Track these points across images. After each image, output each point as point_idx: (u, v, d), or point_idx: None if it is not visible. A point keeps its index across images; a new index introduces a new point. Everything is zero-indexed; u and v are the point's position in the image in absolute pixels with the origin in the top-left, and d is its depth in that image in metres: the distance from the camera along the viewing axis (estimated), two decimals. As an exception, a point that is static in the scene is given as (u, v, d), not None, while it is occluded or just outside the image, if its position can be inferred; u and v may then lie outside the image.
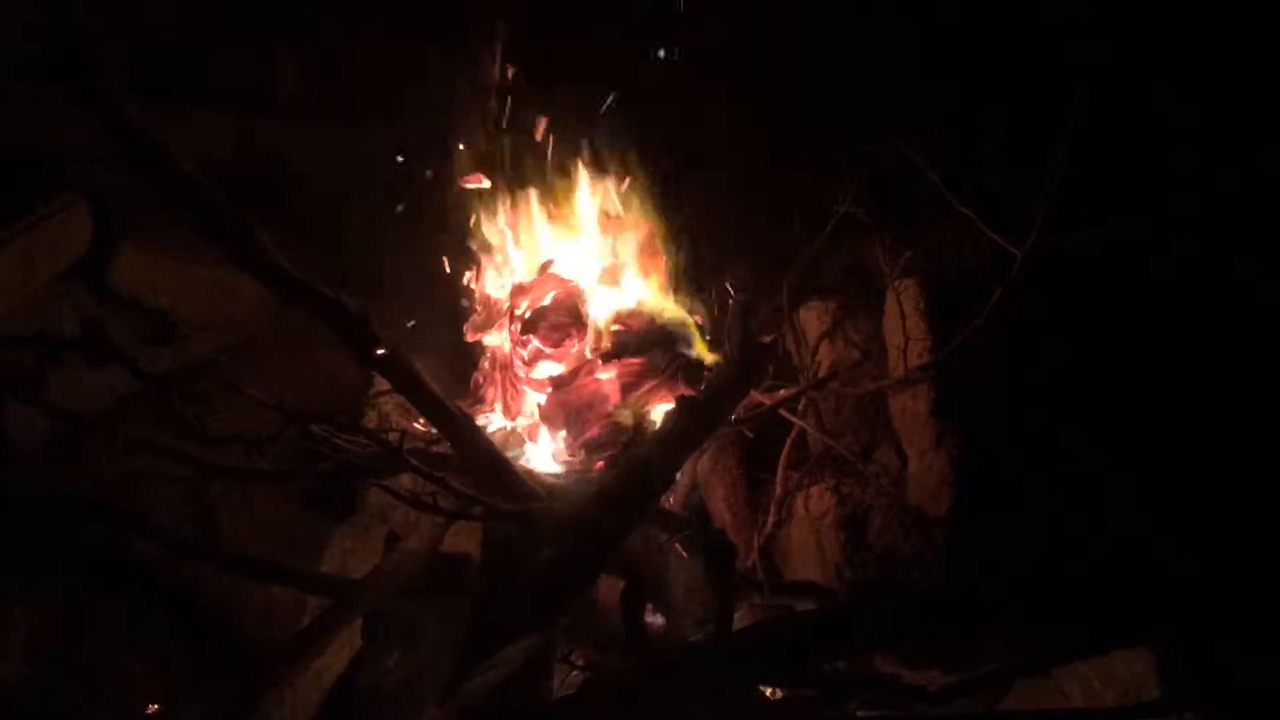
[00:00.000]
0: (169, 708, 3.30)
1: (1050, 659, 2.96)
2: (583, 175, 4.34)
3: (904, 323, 3.79)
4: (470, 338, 4.30)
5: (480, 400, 4.21)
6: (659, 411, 3.80)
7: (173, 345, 4.83)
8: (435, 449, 3.34)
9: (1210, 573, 2.95)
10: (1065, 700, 3.10)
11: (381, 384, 4.19)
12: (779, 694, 3.00)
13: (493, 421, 4.13)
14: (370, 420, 4.16)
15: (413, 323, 4.52)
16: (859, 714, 2.74)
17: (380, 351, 2.74)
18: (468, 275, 4.54)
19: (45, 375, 4.09)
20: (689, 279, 4.32)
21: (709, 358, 3.97)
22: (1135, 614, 2.96)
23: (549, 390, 3.85)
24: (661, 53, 5.09)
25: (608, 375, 3.79)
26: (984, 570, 3.24)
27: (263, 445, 2.70)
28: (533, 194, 4.37)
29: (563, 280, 4.15)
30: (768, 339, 3.89)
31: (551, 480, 3.41)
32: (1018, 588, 2.99)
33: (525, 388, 4.02)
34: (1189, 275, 3.43)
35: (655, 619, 3.53)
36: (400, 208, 4.98)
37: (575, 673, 3.23)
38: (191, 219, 2.36)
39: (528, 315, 4.06)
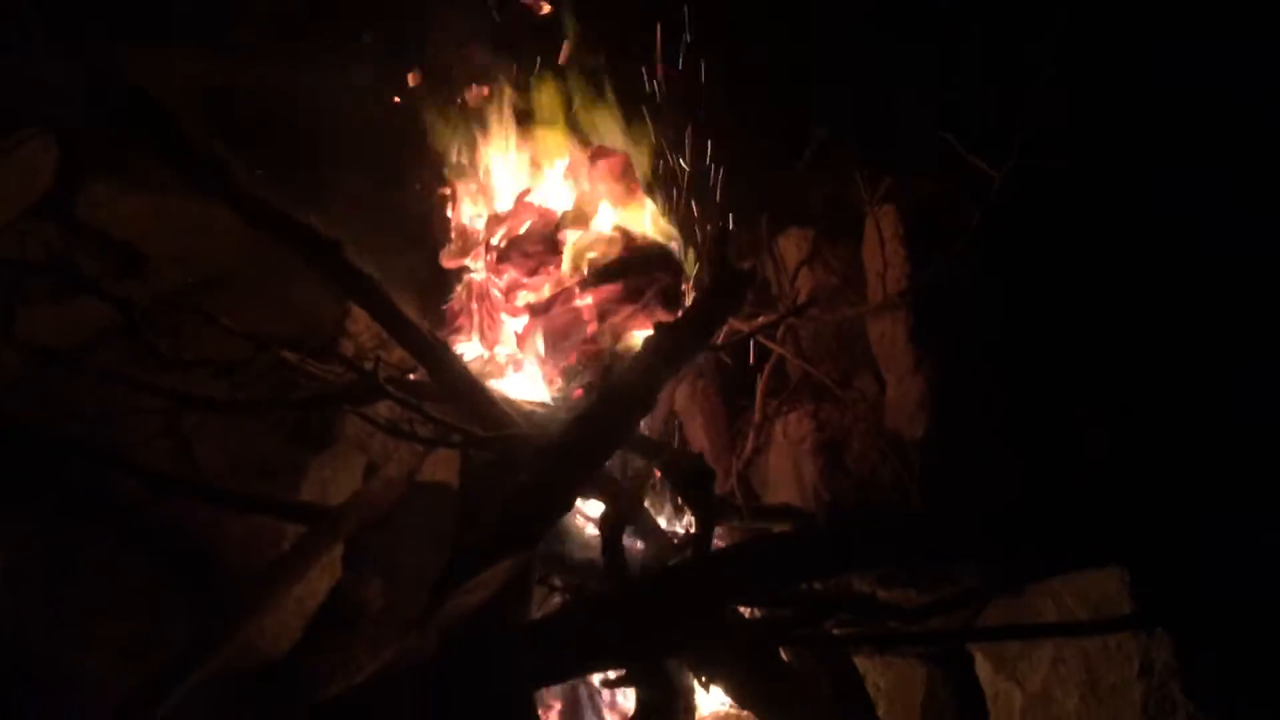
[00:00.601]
0: (152, 637, 3.30)
1: (1024, 577, 3.00)
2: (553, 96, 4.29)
3: (883, 249, 3.78)
4: (447, 264, 4.27)
5: (457, 329, 4.19)
6: (637, 337, 3.79)
7: (144, 279, 4.77)
8: (412, 377, 3.33)
9: (1182, 492, 2.98)
10: (1039, 618, 3.14)
11: (359, 316, 4.16)
12: (757, 614, 3.03)
13: (470, 350, 4.12)
14: (347, 349, 4.14)
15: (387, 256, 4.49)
16: (835, 632, 2.77)
17: (357, 279, 2.72)
18: (446, 204, 4.50)
19: (12, 312, 4.05)
20: (669, 207, 4.29)
21: (687, 284, 3.95)
22: (1108, 533, 2.99)
23: (526, 318, 3.84)
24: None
25: (585, 302, 3.77)
26: (960, 492, 3.26)
27: (234, 371, 2.68)
28: (511, 122, 4.32)
29: (539, 209, 4.12)
30: (746, 265, 3.86)
31: (529, 407, 3.40)
32: (993, 508, 3.02)
33: (503, 316, 4.00)
34: (1166, 197, 3.42)
35: (635, 543, 3.55)
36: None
37: (555, 596, 3.25)
38: (162, 151, 2.32)
39: (503, 245, 4.03)
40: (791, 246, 4.37)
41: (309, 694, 2.89)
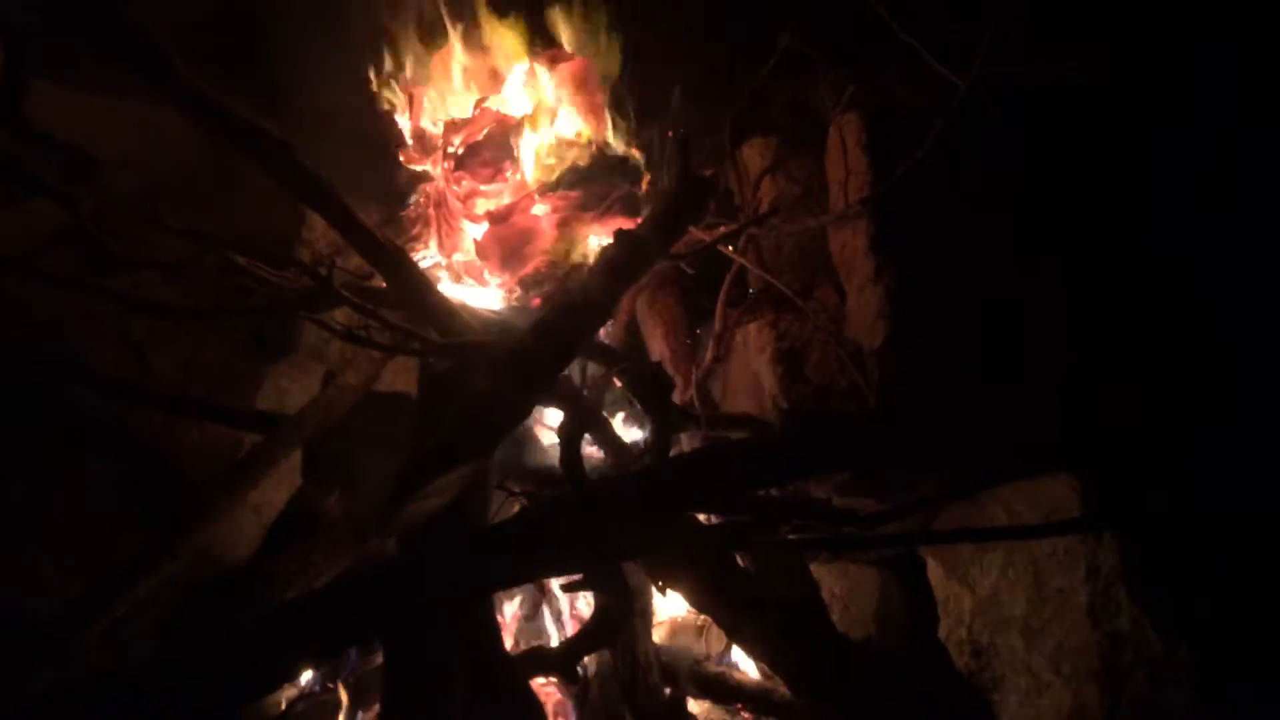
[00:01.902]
0: (107, 544, 3.29)
1: (976, 483, 3.05)
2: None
3: (845, 158, 3.74)
4: (404, 165, 4.18)
5: (415, 237, 4.13)
6: (596, 246, 3.76)
7: (93, 184, 4.64)
8: (368, 284, 3.29)
9: (1136, 400, 3.03)
10: (990, 524, 3.19)
11: (315, 224, 4.09)
12: (713, 520, 3.06)
13: (428, 259, 4.06)
14: (303, 257, 4.07)
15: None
16: (791, 538, 2.80)
17: (311, 182, 2.66)
18: (400, 109, 4.40)
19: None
20: (629, 112, 4.22)
21: (648, 192, 3.91)
22: (1060, 439, 3.04)
23: (485, 226, 3.78)
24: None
25: (544, 210, 3.73)
26: (917, 400, 3.28)
27: (184, 270, 2.63)
28: (472, 26, 4.20)
29: (497, 115, 4.04)
30: (708, 173, 3.83)
31: (488, 315, 3.38)
32: (948, 415, 3.06)
33: (461, 223, 3.95)
34: (1133, 105, 3.41)
35: (594, 452, 3.57)
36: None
37: (513, 503, 3.26)
38: (109, 47, 2.25)
39: (461, 152, 3.96)
40: (755, 155, 4.33)
41: (268, 599, 2.90)
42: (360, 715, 3.56)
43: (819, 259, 4.06)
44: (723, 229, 4.04)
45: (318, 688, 3.63)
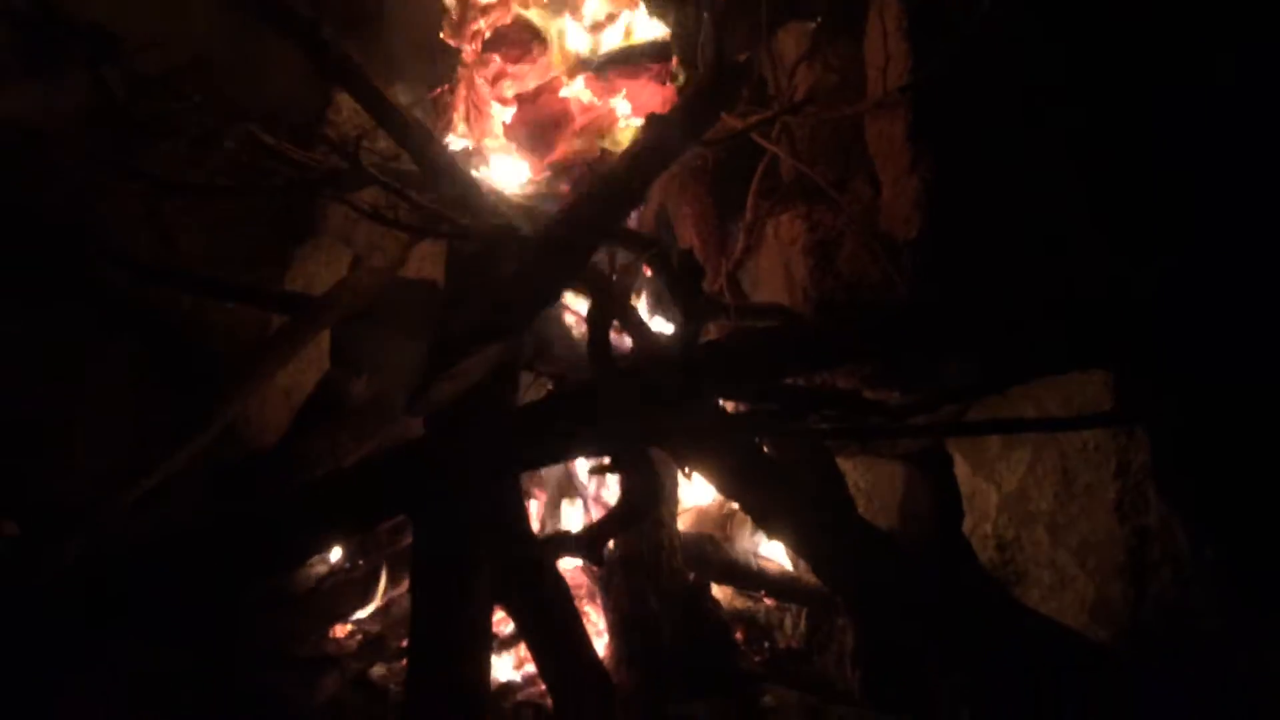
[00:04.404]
0: (136, 423, 3.33)
1: (1006, 378, 3.02)
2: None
3: (885, 43, 3.61)
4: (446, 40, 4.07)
5: (446, 121, 4.07)
6: (626, 129, 3.69)
7: (119, 64, 4.59)
8: (397, 165, 3.25)
9: (1171, 298, 2.97)
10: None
11: (341, 105, 4.03)
12: (741, 408, 3.05)
13: (457, 141, 4.01)
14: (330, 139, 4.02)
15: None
16: (820, 427, 2.79)
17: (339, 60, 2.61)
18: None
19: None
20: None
21: (679, 76, 3.81)
22: (1094, 336, 3.00)
23: (513, 109, 3.71)
24: None
25: (572, 93, 3.65)
26: (950, 292, 3.24)
27: (207, 142, 2.60)
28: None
29: (526, -5, 3.94)
30: (742, 58, 3.72)
31: (516, 199, 3.34)
32: (981, 309, 3.01)
33: (490, 106, 3.88)
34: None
35: (622, 340, 3.55)
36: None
37: (540, 384, 3.26)
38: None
39: (489, 33, 3.87)
40: (790, 41, 4.20)
41: (297, 477, 2.93)
42: (391, 591, 3.63)
43: (855, 150, 3.97)
44: (756, 117, 3.94)
45: (348, 564, 3.70)
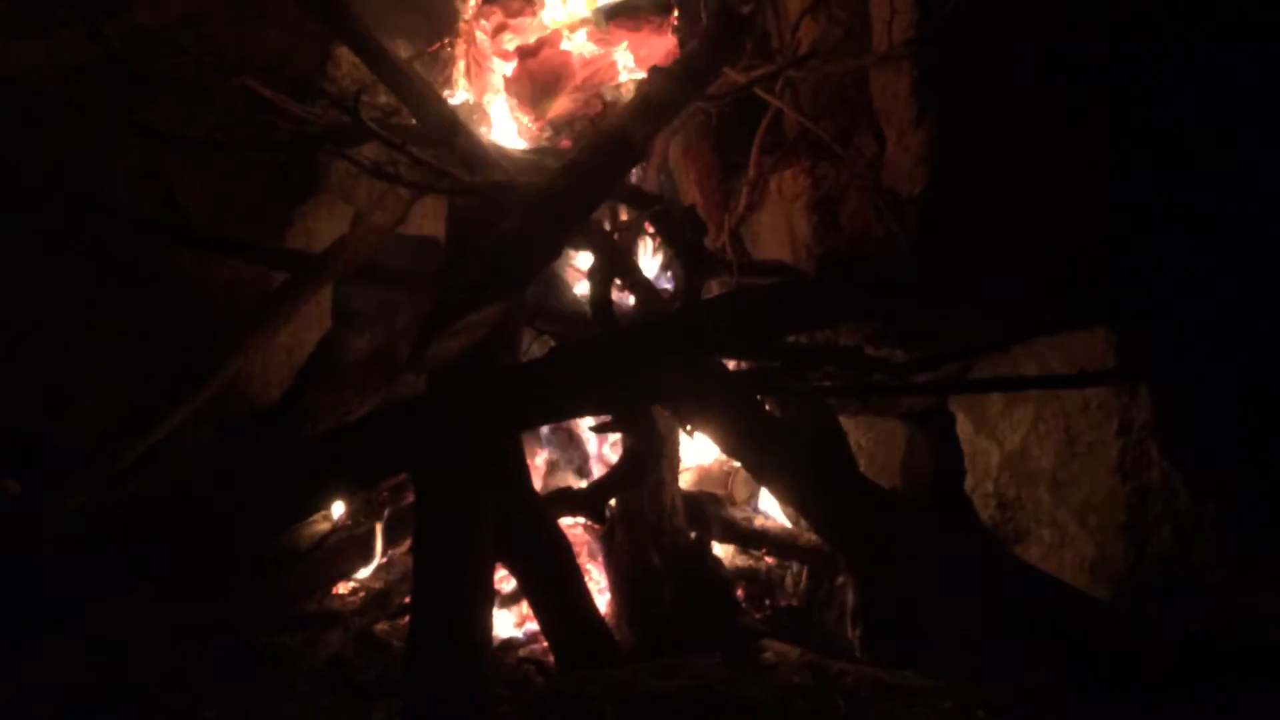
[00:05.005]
0: (137, 377, 3.32)
1: (1009, 335, 3.00)
2: None
3: (891, -6, 3.57)
4: None
5: (446, 76, 4.02)
6: (628, 83, 3.65)
7: (118, 16, 4.54)
8: (397, 120, 3.21)
9: (1171, 255, 2.94)
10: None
11: (340, 59, 3.99)
12: (743, 366, 3.04)
13: (457, 97, 3.97)
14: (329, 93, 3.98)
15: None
16: (822, 385, 2.78)
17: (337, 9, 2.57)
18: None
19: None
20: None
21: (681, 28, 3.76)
22: (1096, 293, 2.98)
23: (514, 63, 3.67)
24: None
25: (574, 47, 3.60)
26: (953, 250, 3.21)
27: (205, 96, 2.57)
28: None
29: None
30: (745, 10, 3.66)
31: (518, 155, 3.30)
32: (984, 266, 2.99)
33: (491, 61, 3.83)
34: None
35: (625, 297, 3.54)
36: None
37: (542, 341, 3.25)
38: None
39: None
40: (795, -6, 4.14)
41: (301, 434, 2.93)
42: (392, 550, 3.65)
43: (859, 105, 3.92)
44: (759, 71, 3.89)
45: (350, 522, 3.71)
